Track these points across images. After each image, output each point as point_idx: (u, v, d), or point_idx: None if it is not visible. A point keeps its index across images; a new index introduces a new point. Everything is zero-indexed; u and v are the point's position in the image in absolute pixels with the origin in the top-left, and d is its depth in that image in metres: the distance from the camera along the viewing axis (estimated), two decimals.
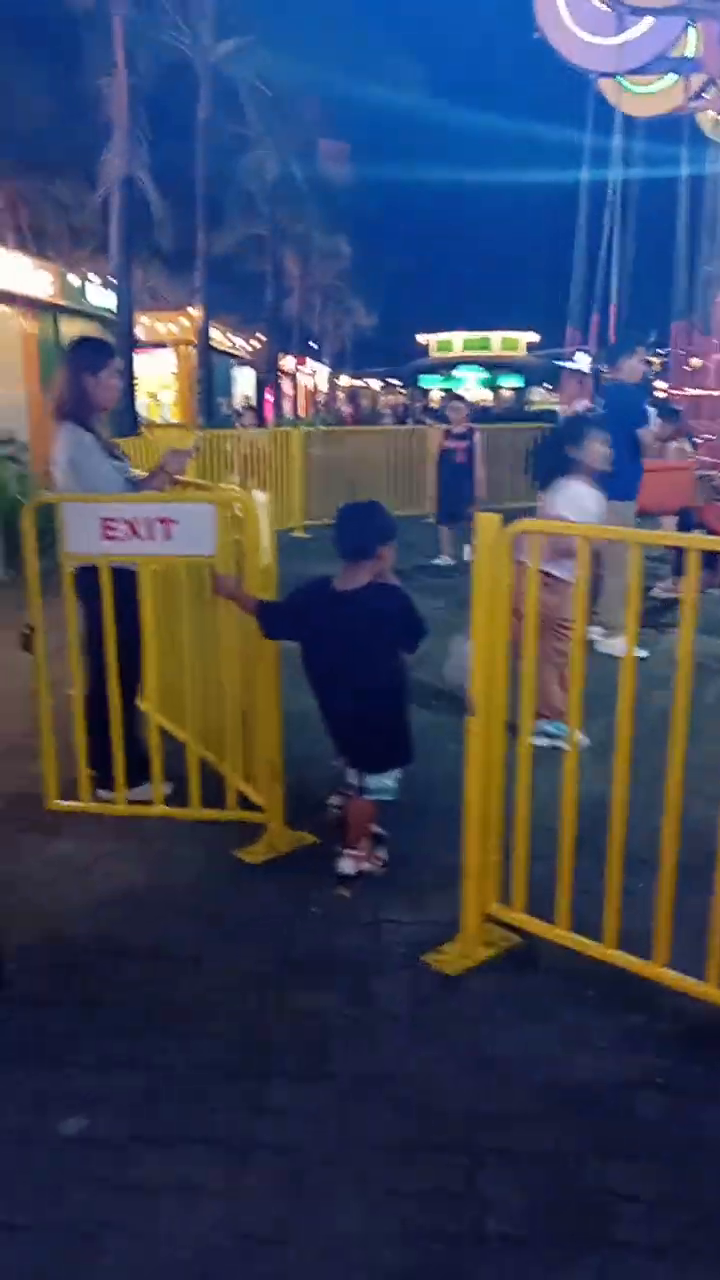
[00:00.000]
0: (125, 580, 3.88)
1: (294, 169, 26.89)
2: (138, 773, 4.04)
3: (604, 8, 7.86)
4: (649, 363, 6.15)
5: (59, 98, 21.34)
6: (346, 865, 3.48)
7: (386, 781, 3.45)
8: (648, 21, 7.68)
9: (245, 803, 3.92)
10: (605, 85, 8.20)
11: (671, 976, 2.68)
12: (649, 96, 9.06)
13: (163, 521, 3.67)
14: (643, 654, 5.78)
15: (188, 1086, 2.50)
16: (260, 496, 3.66)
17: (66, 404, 4.04)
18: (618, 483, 5.99)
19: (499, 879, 3.07)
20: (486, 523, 2.85)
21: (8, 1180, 2.20)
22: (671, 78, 8.65)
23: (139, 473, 4.27)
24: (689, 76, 8.43)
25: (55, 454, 4.01)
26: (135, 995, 2.86)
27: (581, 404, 8.45)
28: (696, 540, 2.57)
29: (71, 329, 17.26)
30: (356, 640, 3.33)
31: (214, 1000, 2.84)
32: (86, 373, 4.04)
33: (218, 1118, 2.39)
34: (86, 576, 3.87)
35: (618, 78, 8.12)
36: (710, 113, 8.69)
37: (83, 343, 4.29)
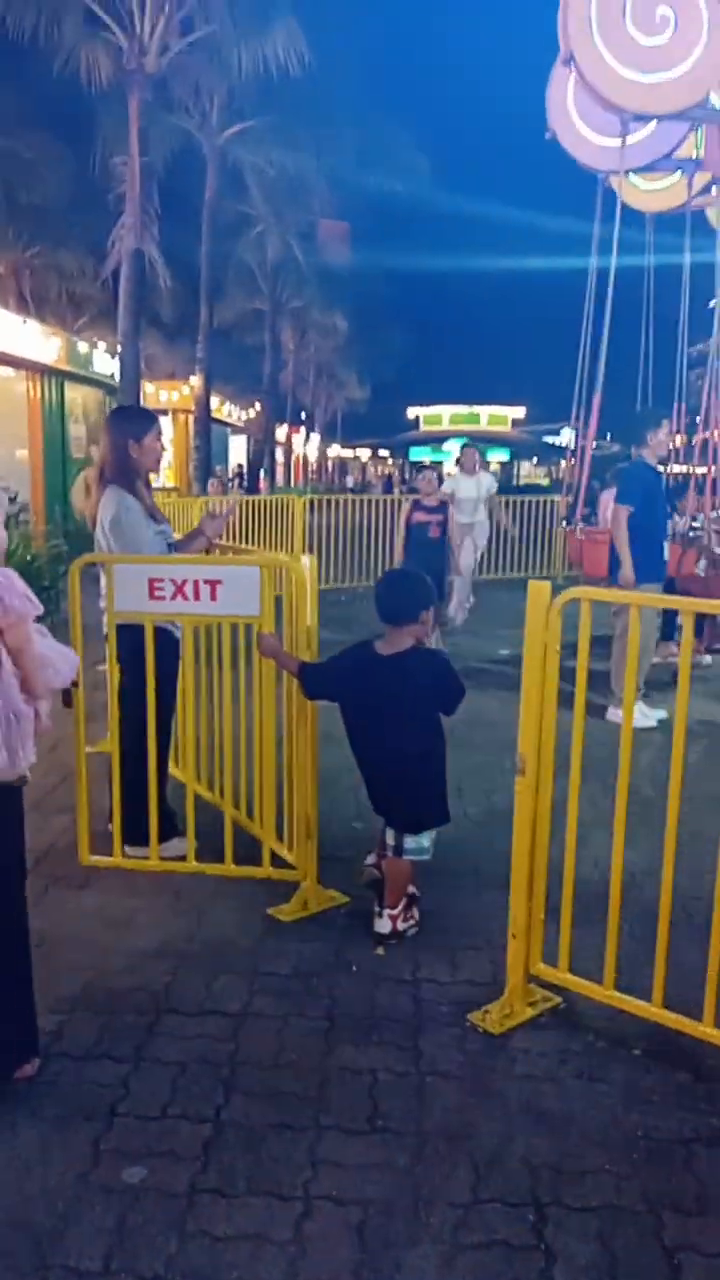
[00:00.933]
0: (163, 641, 3.98)
1: (295, 247, 27.65)
2: (166, 831, 4.10)
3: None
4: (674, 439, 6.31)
5: (66, 171, 22.01)
6: (384, 925, 3.54)
7: (423, 842, 3.55)
8: (652, 124, 8.05)
9: (277, 861, 3.97)
10: (616, 181, 8.57)
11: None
12: (656, 192, 9.48)
13: (209, 583, 3.78)
14: (660, 716, 5.89)
15: (243, 1138, 2.52)
16: (306, 561, 3.78)
17: (111, 469, 4.18)
18: (642, 565, 6.13)
19: (542, 938, 3.12)
20: (536, 590, 2.97)
21: (74, 1227, 2.21)
22: (678, 175, 9.06)
23: (178, 537, 4.40)
24: (693, 175, 8.85)
25: (100, 516, 4.14)
26: (183, 1049, 2.88)
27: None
28: None
29: (75, 394, 17.58)
30: (398, 703, 3.45)
31: (262, 1055, 2.87)
32: (131, 439, 4.18)
33: (278, 1169, 2.41)
34: (128, 636, 3.97)
35: (627, 175, 8.50)
36: (717, 207, 9.09)
37: (123, 410, 4.46)
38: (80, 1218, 2.24)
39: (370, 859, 3.81)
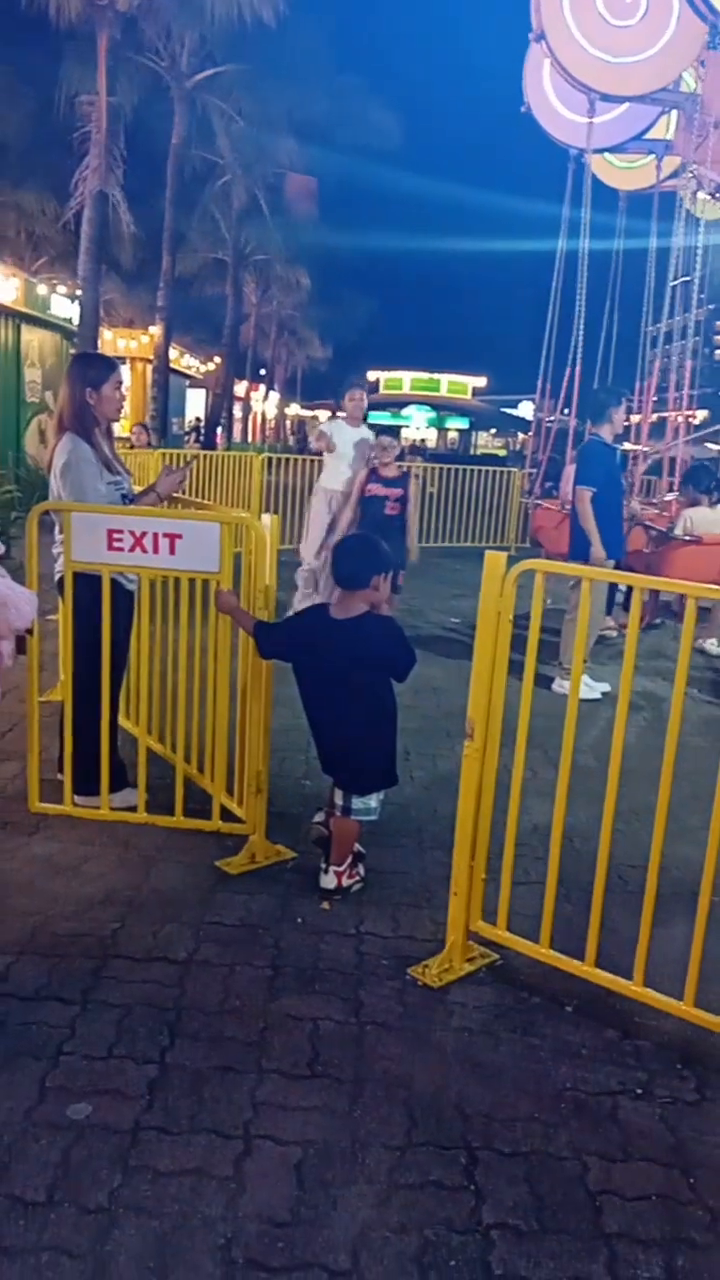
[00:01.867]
0: (118, 594, 3.98)
1: (260, 199, 27.26)
2: (116, 781, 4.13)
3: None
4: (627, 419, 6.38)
5: (29, 108, 21.45)
6: (330, 881, 3.62)
7: (370, 803, 3.63)
8: (624, 105, 8.10)
9: (226, 815, 4.02)
10: (593, 159, 8.62)
11: (651, 995, 2.85)
12: (631, 171, 9.54)
13: (168, 536, 3.79)
14: (604, 688, 6.04)
15: (187, 1080, 2.58)
16: (267, 520, 3.80)
17: (69, 416, 4.14)
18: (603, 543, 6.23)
19: (483, 897, 3.22)
20: (492, 561, 3.03)
21: (21, 1160, 2.27)
22: (650, 156, 9.12)
23: (138, 489, 4.39)
24: (663, 157, 8.92)
25: (54, 462, 4.11)
26: (129, 992, 2.94)
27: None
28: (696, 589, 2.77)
29: (32, 337, 17.24)
30: (350, 666, 3.51)
31: (207, 1001, 2.93)
32: (88, 386, 4.14)
33: (219, 1109, 2.48)
34: (83, 585, 3.97)
35: (604, 154, 8.56)
36: (691, 190, 9.16)
37: (83, 357, 4.40)
38: (25, 1152, 2.30)
39: (319, 817, 3.89)
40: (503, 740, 3.13)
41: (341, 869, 3.64)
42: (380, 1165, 2.34)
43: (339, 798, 3.64)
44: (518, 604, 3.02)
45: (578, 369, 8.98)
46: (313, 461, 15.50)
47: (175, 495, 4.60)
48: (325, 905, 3.57)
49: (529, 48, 8.37)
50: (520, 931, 3.17)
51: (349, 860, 3.68)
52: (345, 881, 3.65)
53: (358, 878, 3.72)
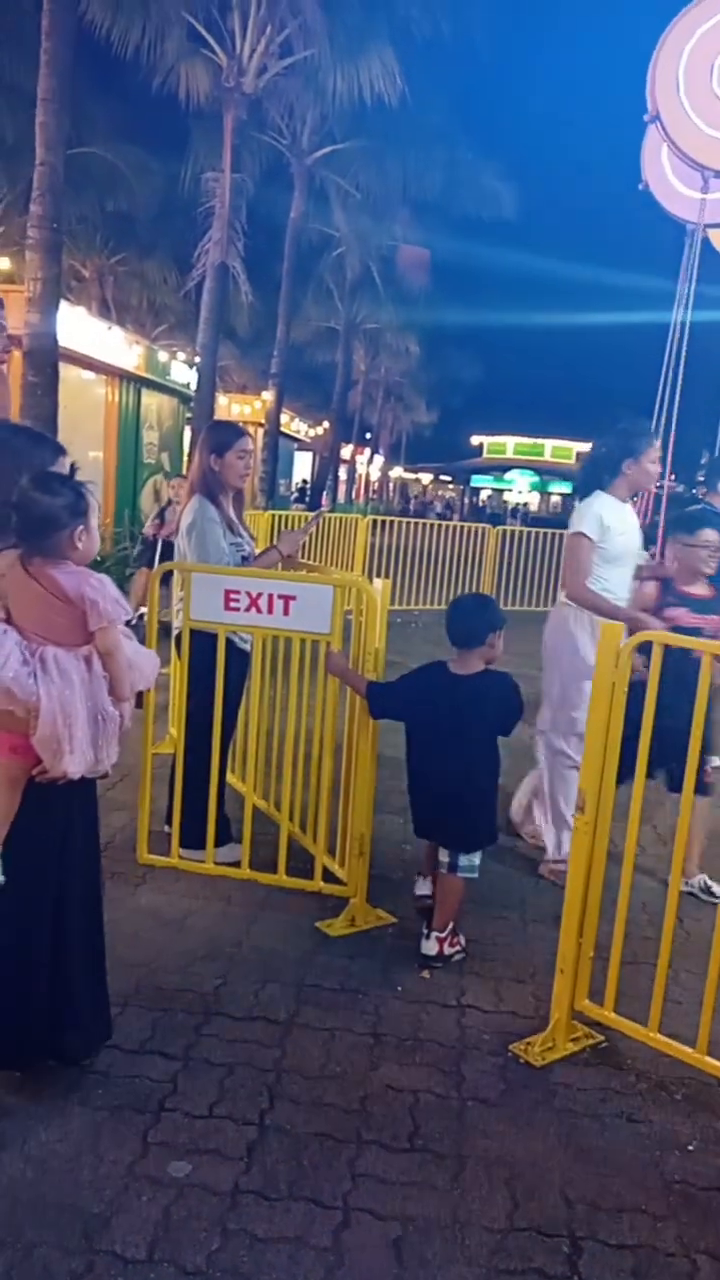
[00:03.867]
0: (232, 653, 4.08)
1: (373, 270, 27.95)
2: (221, 837, 4.19)
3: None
4: None
5: (156, 183, 22.52)
6: (431, 947, 3.59)
7: (474, 860, 3.63)
8: None
9: (328, 876, 4.03)
10: (713, 232, 8.68)
11: None
12: None
13: (283, 598, 3.87)
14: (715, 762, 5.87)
15: (287, 1144, 2.57)
16: (378, 584, 3.85)
17: (196, 479, 4.30)
18: None
19: (589, 976, 3.15)
20: (608, 631, 3.01)
21: (123, 1214, 2.28)
22: None
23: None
24: None
25: (182, 522, 4.26)
26: (231, 1052, 2.95)
27: None
28: None
29: (151, 401, 17.90)
30: (470, 720, 3.55)
31: (307, 1065, 2.92)
32: (213, 453, 4.30)
33: (319, 1177, 2.46)
34: (199, 643, 4.07)
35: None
36: None
37: (215, 425, 4.58)
38: (127, 1206, 2.31)
39: (422, 888, 3.85)
40: (614, 814, 3.08)
41: (444, 935, 3.60)
42: (481, 1247, 2.28)
43: (445, 856, 3.62)
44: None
45: (669, 436, 8.94)
46: (415, 524, 15.66)
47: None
48: (426, 974, 3.53)
49: (648, 128, 8.49)
50: (627, 1013, 3.09)
51: (451, 926, 3.64)
52: (447, 950, 3.61)
53: (459, 946, 3.68)
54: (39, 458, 2.53)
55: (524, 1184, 2.50)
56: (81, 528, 2.42)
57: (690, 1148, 2.70)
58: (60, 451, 2.62)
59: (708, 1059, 2.86)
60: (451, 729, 3.55)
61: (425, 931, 3.63)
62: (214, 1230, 2.26)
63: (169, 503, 7.97)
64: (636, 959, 3.49)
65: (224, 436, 4.40)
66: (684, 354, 8.73)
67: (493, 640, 3.58)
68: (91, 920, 2.79)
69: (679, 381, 8.85)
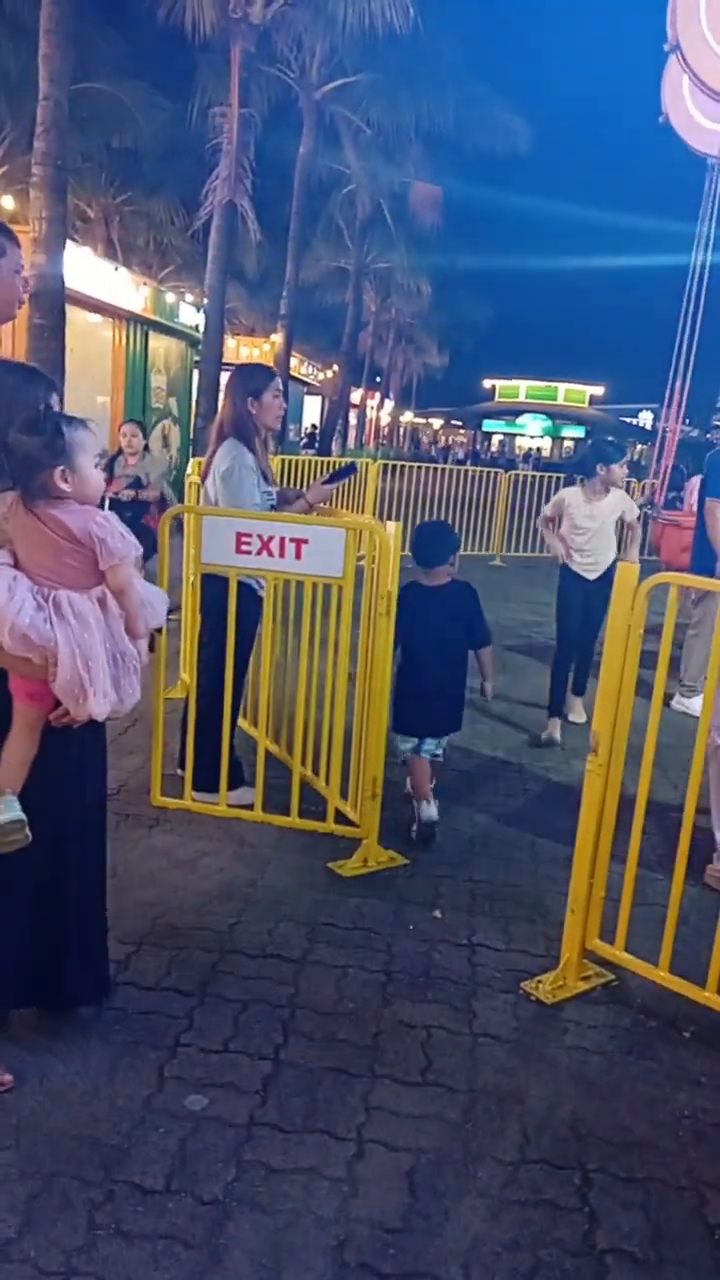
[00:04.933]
0: (245, 596, 4.05)
1: (385, 208, 27.40)
2: (233, 779, 4.20)
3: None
4: None
5: (162, 119, 22.04)
6: (433, 811, 4.18)
7: (442, 744, 4.38)
8: None
9: (340, 818, 4.05)
10: None
11: None
12: None
13: (294, 541, 3.83)
14: None
15: (301, 1079, 2.61)
16: (390, 527, 3.81)
17: (230, 424, 4.24)
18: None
19: (600, 915, 3.17)
20: (625, 572, 2.98)
21: (140, 1146, 2.32)
22: None
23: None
24: None
25: (215, 466, 4.20)
26: (246, 988, 2.98)
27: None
28: None
29: (158, 344, 17.67)
30: (448, 622, 4.21)
31: (320, 1001, 2.95)
32: (250, 396, 4.24)
33: (333, 1111, 2.50)
34: (211, 587, 4.05)
35: None
36: None
37: (247, 367, 4.51)
38: (144, 1139, 2.35)
39: (428, 811, 4.19)
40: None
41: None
42: (493, 1179, 2.32)
43: (432, 746, 4.30)
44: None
45: (686, 378, 8.80)
46: (426, 469, 15.53)
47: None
48: (437, 914, 3.56)
49: (668, 59, 8.23)
50: (638, 953, 3.11)
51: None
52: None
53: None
54: (31, 395, 2.45)
55: (534, 1118, 2.54)
56: (63, 468, 2.33)
57: (700, 1082, 2.74)
58: (53, 388, 2.55)
59: (716, 996, 2.88)
60: (435, 633, 4.14)
61: (425, 802, 4.18)
62: (230, 1161, 2.30)
63: (118, 452, 7.48)
64: (648, 900, 3.50)
65: (259, 377, 4.37)
66: (702, 287, 8.56)
67: (453, 559, 4.27)
68: (96, 869, 2.76)
69: (697, 324, 8.69)
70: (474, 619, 4.27)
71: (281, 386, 4.34)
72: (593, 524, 5.73)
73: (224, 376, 8.71)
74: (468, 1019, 2.94)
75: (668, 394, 9.07)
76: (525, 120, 23.32)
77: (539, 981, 3.14)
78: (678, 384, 8.92)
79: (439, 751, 4.36)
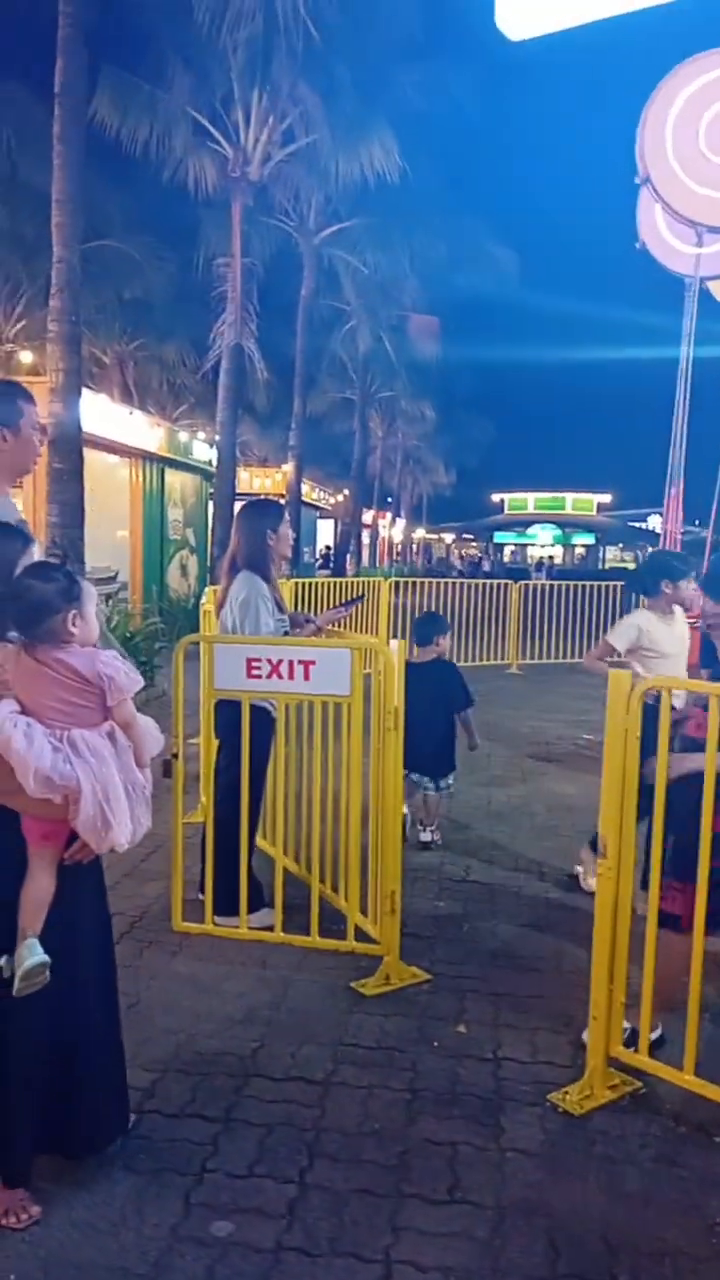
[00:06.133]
0: (258, 718, 4.18)
1: (385, 341, 28.56)
2: (253, 902, 4.25)
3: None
4: None
5: (170, 270, 23.28)
6: (429, 835, 5.59)
7: (450, 780, 5.78)
8: None
9: (360, 936, 4.07)
10: (712, 283, 8.92)
11: None
12: None
13: (303, 663, 3.98)
14: None
15: (327, 1201, 2.60)
16: (394, 645, 3.95)
17: (245, 556, 4.46)
18: None
19: (622, 1022, 3.17)
20: (617, 679, 3.09)
21: (168, 1274, 2.32)
22: None
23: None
24: None
25: (232, 595, 4.39)
26: (271, 1112, 2.98)
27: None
28: None
29: (174, 480, 18.31)
30: (432, 692, 5.39)
31: (345, 1123, 2.95)
32: (269, 529, 4.49)
33: (360, 1232, 2.48)
34: (225, 712, 4.19)
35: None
36: None
37: (259, 503, 4.80)
38: (171, 1266, 2.35)
39: (423, 835, 5.57)
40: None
41: (435, 827, 5.63)
42: None
43: (430, 784, 5.65)
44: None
45: (674, 486, 9.07)
46: (438, 584, 15.80)
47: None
48: (462, 1029, 3.56)
49: (642, 190, 8.78)
50: (664, 1058, 3.09)
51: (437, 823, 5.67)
52: (435, 837, 5.62)
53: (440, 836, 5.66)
54: (9, 550, 2.60)
55: (565, 1231, 2.51)
56: (75, 612, 2.47)
57: None
58: (30, 541, 2.70)
59: None
60: (427, 697, 5.10)
61: (420, 827, 5.62)
62: None
63: None
64: (672, 1004, 3.49)
65: (274, 511, 4.68)
66: (688, 400, 8.89)
67: (438, 640, 5.82)
68: (107, 1006, 2.77)
69: (684, 430, 9.00)
70: (454, 688, 5.67)
71: (287, 516, 4.59)
72: (675, 650, 4.81)
73: (237, 506, 9.12)
74: (495, 1134, 2.92)
75: (666, 497, 9.32)
76: (513, 250, 24.44)
77: (565, 1092, 3.13)
78: (673, 488, 9.18)
79: (449, 787, 5.77)
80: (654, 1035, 3.22)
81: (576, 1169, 2.77)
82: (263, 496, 21.60)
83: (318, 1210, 2.56)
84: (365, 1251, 2.42)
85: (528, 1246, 2.46)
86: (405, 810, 5.27)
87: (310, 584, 14.60)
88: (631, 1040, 3.17)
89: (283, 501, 23.48)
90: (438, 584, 15.82)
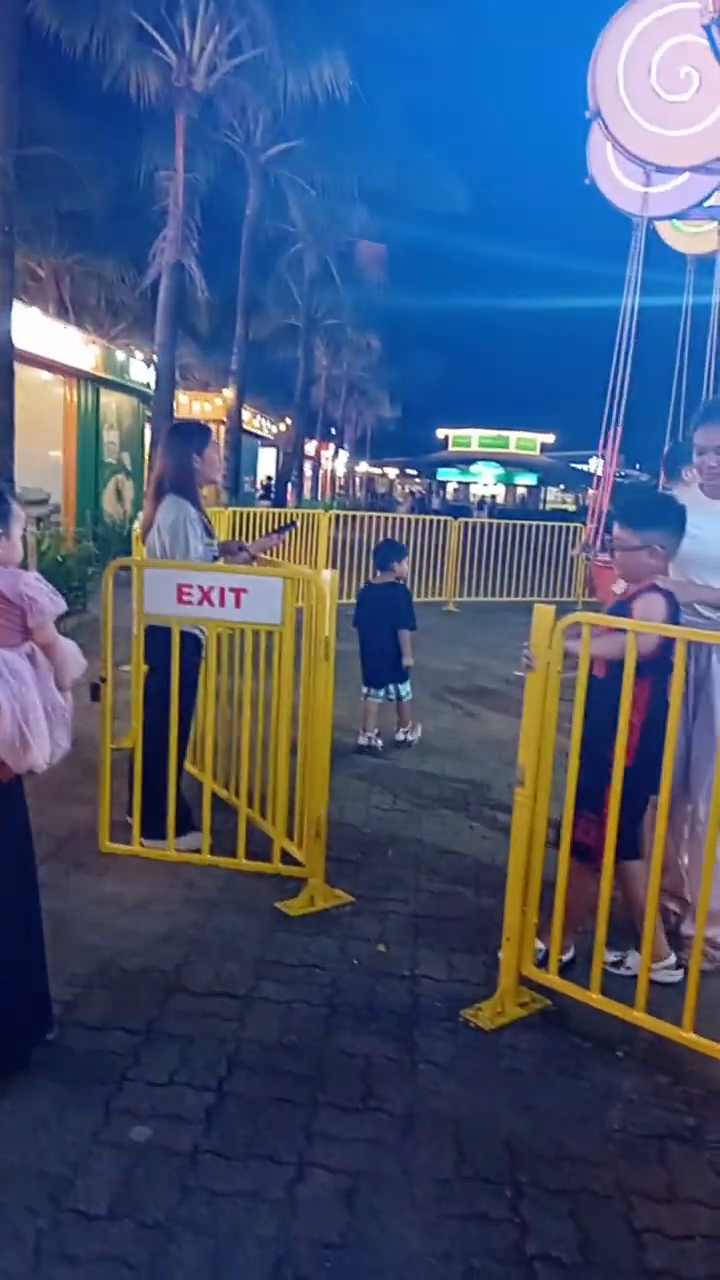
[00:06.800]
0: (188, 644, 4.18)
1: (332, 266, 28.04)
2: (181, 825, 4.29)
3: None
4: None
5: (111, 183, 22.48)
6: (413, 734, 6.46)
7: (408, 687, 6.46)
8: (685, 174, 8.31)
9: (287, 859, 4.15)
10: (661, 225, 8.87)
11: (701, 1042, 2.88)
12: (696, 236, 9.78)
13: (234, 591, 3.97)
14: None
15: (244, 1108, 2.69)
16: (327, 575, 3.97)
17: (173, 480, 4.40)
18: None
19: (534, 943, 3.29)
20: (541, 613, 3.15)
21: (86, 1176, 2.39)
22: (714, 222, 9.31)
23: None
24: None
25: (159, 520, 4.36)
26: (192, 1024, 3.06)
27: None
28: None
29: (110, 401, 17.91)
30: (386, 609, 6.35)
31: (265, 1035, 3.04)
32: (195, 452, 4.43)
33: (274, 1137, 2.58)
34: (154, 637, 4.17)
35: (671, 220, 8.83)
36: None
37: (185, 424, 4.72)
38: (90, 1169, 2.42)
39: (362, 739, 6.20)
40: (558, 790, 3.22)
41: (410, 727, 6.41)
42: (428, 1196, 2.41)
43: (394, 691, 6.38)
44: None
45: (614, 430, 9.13)
46: (379, 518, 15.78)
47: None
48: (382, 948, 3.66)
49: (590, 125, 8.64)
50: (573, 978, 3.23)
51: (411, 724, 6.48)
52: (411, 736, 6.39)
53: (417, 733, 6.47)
54: None
55: (470, 1138, 2.64)
56: (1, 533, 2.46)
57: (631, 1099, 2.85)
58: None
59: (646, 1016, 3.00)
60: (379, 613, 6.32)
61: (402, 733, 6.41)
62: (174, 1188, 2.38)
63: None
64: (582, 926, 3.62)
65: (202, 434, 4.60)
66: (633, 342, 8.90)
67: (395, 565, 6.50)
68: (28, 922, 2.82)
69: (627, 371, 9.03)
70: (402, 608, 6.38)
71: (216, 439, 4.54)
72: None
73: None
74: (408, 1047, 3.04)
75: (602, 439, 9.37)
76: (464, 180, 24.05)
77: (478, 1009, 3.25)
78: (611, 430, 9.22)
79: (393, 698, 6.38)
80: (565, 957, 3.36)
81: (485, 1081, 2.90)
82: (201, 421, 21.20)
83: (235, 1117, 2.65)
84: (279, 1155, 2.51)
85: (435, 1152, 2.58)
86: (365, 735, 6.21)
87: (250, 513, 14.46)
88: (543, 961, 3.30)
89: (222, 426, 23.21)
90: (378, 518, 15.79)
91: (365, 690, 6.35)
